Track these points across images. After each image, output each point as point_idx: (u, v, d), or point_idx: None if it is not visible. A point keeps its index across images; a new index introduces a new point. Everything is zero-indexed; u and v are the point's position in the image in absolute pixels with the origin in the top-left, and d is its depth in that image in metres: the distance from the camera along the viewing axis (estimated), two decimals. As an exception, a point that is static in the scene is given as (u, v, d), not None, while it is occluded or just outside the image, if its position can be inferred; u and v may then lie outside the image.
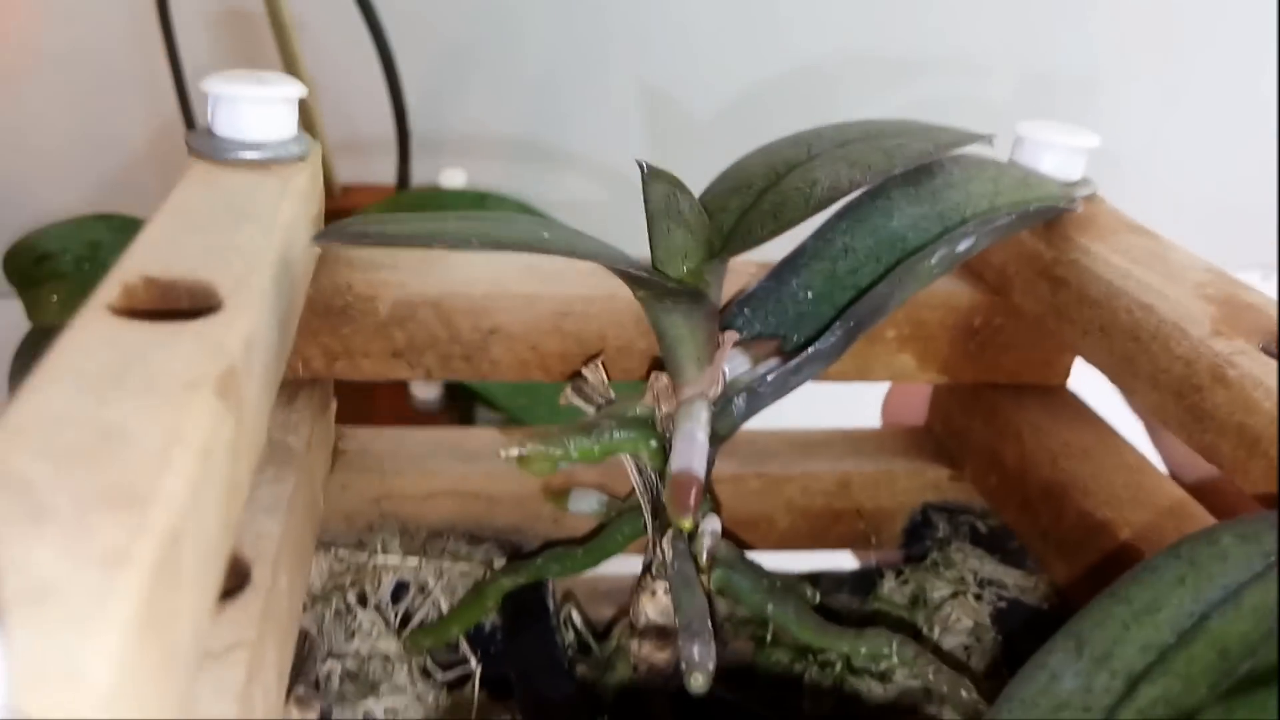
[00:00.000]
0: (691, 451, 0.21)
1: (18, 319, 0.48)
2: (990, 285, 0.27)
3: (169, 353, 0.14)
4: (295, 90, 0.23)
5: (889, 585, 0.29)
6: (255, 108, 0.22)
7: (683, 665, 0.21)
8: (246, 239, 0.18)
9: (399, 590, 0.26)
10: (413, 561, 0.27)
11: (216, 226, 0.19)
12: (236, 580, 0.18)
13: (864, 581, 0.30)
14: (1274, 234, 0.66)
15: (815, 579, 0.30)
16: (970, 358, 0.27)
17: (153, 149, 0.64)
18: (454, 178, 0.59)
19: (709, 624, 0.21)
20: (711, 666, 0.21)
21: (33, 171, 0.64)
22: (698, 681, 0.20)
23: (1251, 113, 0.68)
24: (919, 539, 0.30)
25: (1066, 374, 0.28)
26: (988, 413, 0.28)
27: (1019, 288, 0.26)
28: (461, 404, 0.47)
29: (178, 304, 0.17)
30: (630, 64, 0.64)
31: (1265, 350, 0.19)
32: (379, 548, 0.27)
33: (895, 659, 0.24)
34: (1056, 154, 0.26)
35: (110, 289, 0.16)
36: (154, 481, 0.12)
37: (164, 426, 0.13)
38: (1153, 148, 0.68)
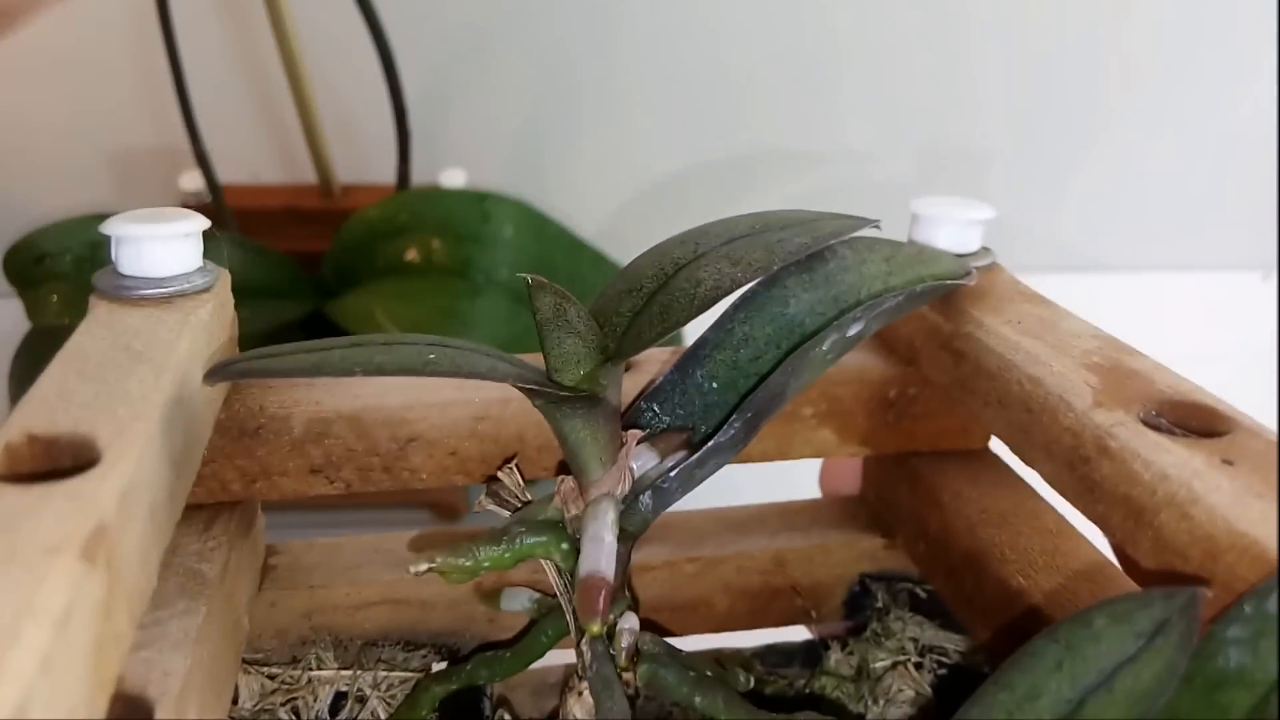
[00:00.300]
0: (599, 554, 0.21)
1: (18, 319, 0.48)
2: (902, 357, 0.28)
3: (37, 518, 0.15)
4: (195, 224, 0.23)
5: (835, 657, 0.29)
6: (157, 245, 0.23)
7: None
8: (135, 383, 0.19)
9: (337, 702, 0.26)
10: (348, 673, 0.27)
11: (107, 374, 0.19)
12: (142, 721, 0.18)
13: (813, 653, 0.30)
14: (1274, 234, 0.66)
15: (764, 655, 0.31)
16: (889, 428, 0.28)
17: (153, 149, 0.65)
18: (454, 178, 0.59)
19: (629, 725, 0.22)
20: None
21: (33, 171, 0.64)
22: (617, 785, 0.20)
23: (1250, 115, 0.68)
24: (860, 609, 0.30)
25: (987, 438, 0.29)
26: (912, 481, 0.28)
27: (925, 359, 0.26)
28: None
29: (61, 460, 0.17)
30: (630, 63, 0.64)
31: (1146, 420, 0.20)
32: (312, 663, 0.27)
33: (825, 742, 0.24)
34: (952, 228, 0.27)
35: (-10, 451, 0.16)
36: (3, 658, 0.12)
37: (18, 598, 0.13)
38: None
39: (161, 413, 0.18)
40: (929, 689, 0.27)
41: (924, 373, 0.27)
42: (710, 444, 0.22)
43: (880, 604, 0.29)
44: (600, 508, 0.22)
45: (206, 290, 0.24)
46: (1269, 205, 0.67)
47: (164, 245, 0.23)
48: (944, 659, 0.28)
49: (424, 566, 0.21)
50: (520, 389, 0.21)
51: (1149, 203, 0.71)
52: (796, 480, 0.34)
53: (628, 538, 0.23)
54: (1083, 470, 0.20)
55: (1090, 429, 0.20)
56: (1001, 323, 0.24)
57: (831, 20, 0.63)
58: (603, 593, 0.21)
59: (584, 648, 0.23)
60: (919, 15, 0.63)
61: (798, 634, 0.32)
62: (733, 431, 0.22)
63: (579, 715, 0.24)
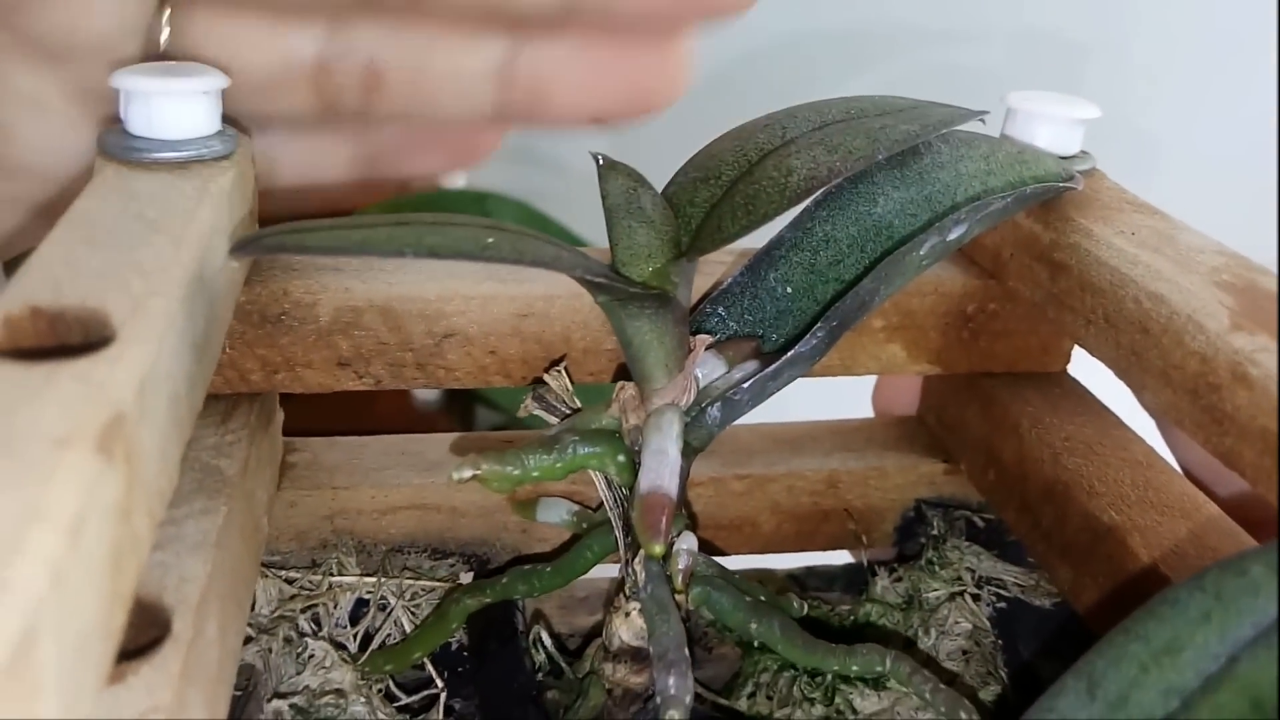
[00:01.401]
0: (661, 469, 0.19)
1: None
2: (984, 269, 0.25)
3: (42, 403, 0.12)
4: (216, 81, 0.21)
5: (882, 584, 0.27)
6: (171, 102, 0.20)
7: (657, 699, 0.19)
8: (151, 255, 0.16)
9: (358, 610, 0.24)
10: (371, 580, 0.25)
11: (119, 241, 0.17)
12: (157, 632, 0.17)
13: (856, 578, 0.28)
14: (1274, 234, 0.64)
15: (803, 578, 0.29)
16: (963, 346, 0.26)
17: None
18: (455, 178, 0.57)
19: (685, 653, 0.20)
20: (689, 700, 0.19)
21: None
22: (673, 718, 0.19)
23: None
24: (912, 536, 0.28)
25: (1067, 360, 0.27)
26: (983, 404, 0.26)
27: (1015, 272, 0.24)
28: (462, 403, 0.46)
29: (69, 337, 0.15)
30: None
31: (1290, 346, 0.17)
32: (334, 568, 0.25)
33: (890, 676, 0.22)
34: (1052, 126, 0.24)
35: (-13, 323, 0.14)
36: (5, 571, 0.10)
37: (22, 499, 0.11)
38: (1152, 121, 0.66)
39: (182, 289, 0.16)
40: (987, 622, 0.26)
41: (1009, 286, 0.24)
42: (790, 354, 0.20)
43: (936, 531, 0.28)
44: (664, 418, 0.20)
45: (226, 157, 0.21)
46: (1269, 205, 0.65)
47: (180, 103, 0.20)
48: (1003, 591, 0.26)
49: (468, 473, 0.19)
50: (584, 283, 0.18)
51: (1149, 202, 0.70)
52: (846, 396, 0.32)
53: (690, 452, 0.21)
54: (1210, 399, 0.18)
55: (1225, 354, 0.18)
56: (1113, 233, 0.21)
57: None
58: (665, 512, 0.19)
59: (637, 567, 0.21)
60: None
61: (838, 557, 0.31)
62: (814, 341, 0.20)
63: (625, 637, 0.22)
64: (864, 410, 0.31)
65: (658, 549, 0.18)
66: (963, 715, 0.21)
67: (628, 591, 0.22)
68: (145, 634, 0.16)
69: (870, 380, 0.32)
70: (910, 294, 0.25)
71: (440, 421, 0.52)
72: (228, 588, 0.19)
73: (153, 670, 0.15)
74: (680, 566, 0.20)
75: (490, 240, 0.17)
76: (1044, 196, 0.21)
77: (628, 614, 0.22)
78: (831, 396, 0.31)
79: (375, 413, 0.51)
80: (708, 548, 0.27)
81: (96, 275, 0.15)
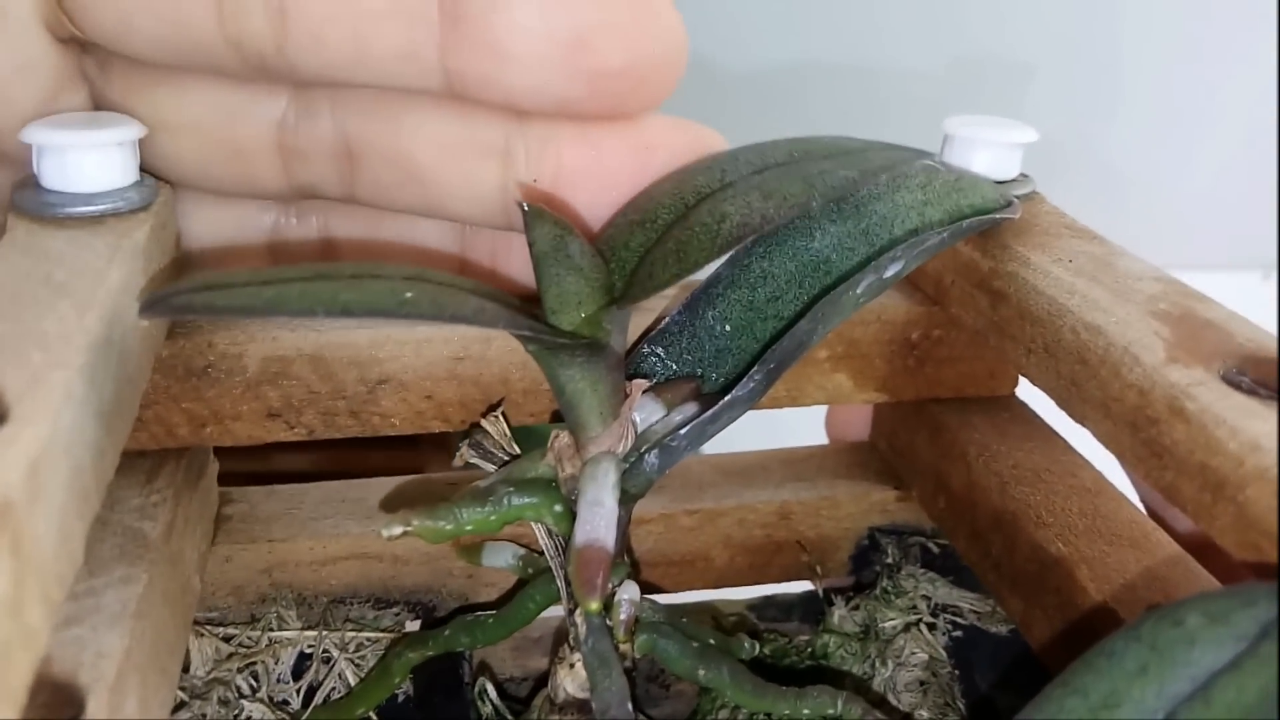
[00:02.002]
0: (597, 521, 0.19)
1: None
2: (927, 295, 0.25)
3: (-82, 496, 0.12)
4: (131, 131, 0.20)
5: (839, 614, 0.27)
6: (84, 155, 0.20)
7: (602, 756, 0.19)
8: (55, 322, 0.16)
9: (300, 665, 0.24)
10: (312, 634, 0.24)
11: (22, 310, 0.16)
12: (72, 712, 0.16)
13: (814, 606, 0.28)
14: (1274, 234, 0.65)
15: (761, 608, 0.28)
16: (909, 373, 0.25)
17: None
18: None
19: (628, 708, 0.19)
20: (634, 758, 0.19)
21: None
22: (618, 777, 0.18)
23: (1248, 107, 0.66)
24: (868, 564, 0.28)
25: (1014, 383, 0.26)
26: (932, 431, 0.26)
27: (956, 299, 0.24)
28: None
29: (-41, 415, 0.14)
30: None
31: (1227, 379, 0.17)
32: (273, 622, 0.24)
33: (842, 718, 0.22)
34: (989, 151, 0.24)
35: None
36: None
37: (-112, 610, 0.10)
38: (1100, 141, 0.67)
39: (85, 358, 0.16)
40: (943, 652, 0.25)
41: (952, 313, 0.24)
42: (727, 398, 0.19)
43: (891, 559, 0.27)
44: (600, 468, 0.19)
45: (145, 209, 0.20)
46: (1269, 205, 0.65)
47: (94, 155, 0.20)
48: (959, 619, 0.26)
49: (398, 530, 0.19)
50: (513, 334, 0.18)
51: (1149, 202, 0.70)
52: (796, 423, 0.32)
53: (628, 499, 0.20)
54: (1149, 433, 0.18)
55: (1162, 387, 0.17)
56: (1050, 261, 0.21)
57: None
58: (602, 566, 0.18)
59: (578, 619, 0.20)
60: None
61: (797, 585, 0.30)
62: (752, 384, 0.19)
63: (570, 689, 0.21)
64: (814, 436, 0.31)
65: (594, 606, 0.18)
66: (916, 758, 0.21)
67: (571, 643, 0.21)
68: (60, 714, 0.16)
69: (820, 408, 0.32)
70: (854, 323, 0.24)
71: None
72: (149, 658, 0.18)
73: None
74: (622, 617, 0.20)
75: (409, 295, 0.16)
76: (981, 227, 0.21)
77: (572, 665, 0.21)
78: (782, 422, 0.31)
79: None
80: (659, 584, 0.27)
81: (-7, 348, 0.15)
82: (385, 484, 0.26)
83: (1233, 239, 0.71)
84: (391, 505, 0.25)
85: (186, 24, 0.19)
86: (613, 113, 0.21)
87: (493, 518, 0.20)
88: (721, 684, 0.21)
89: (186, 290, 0.16)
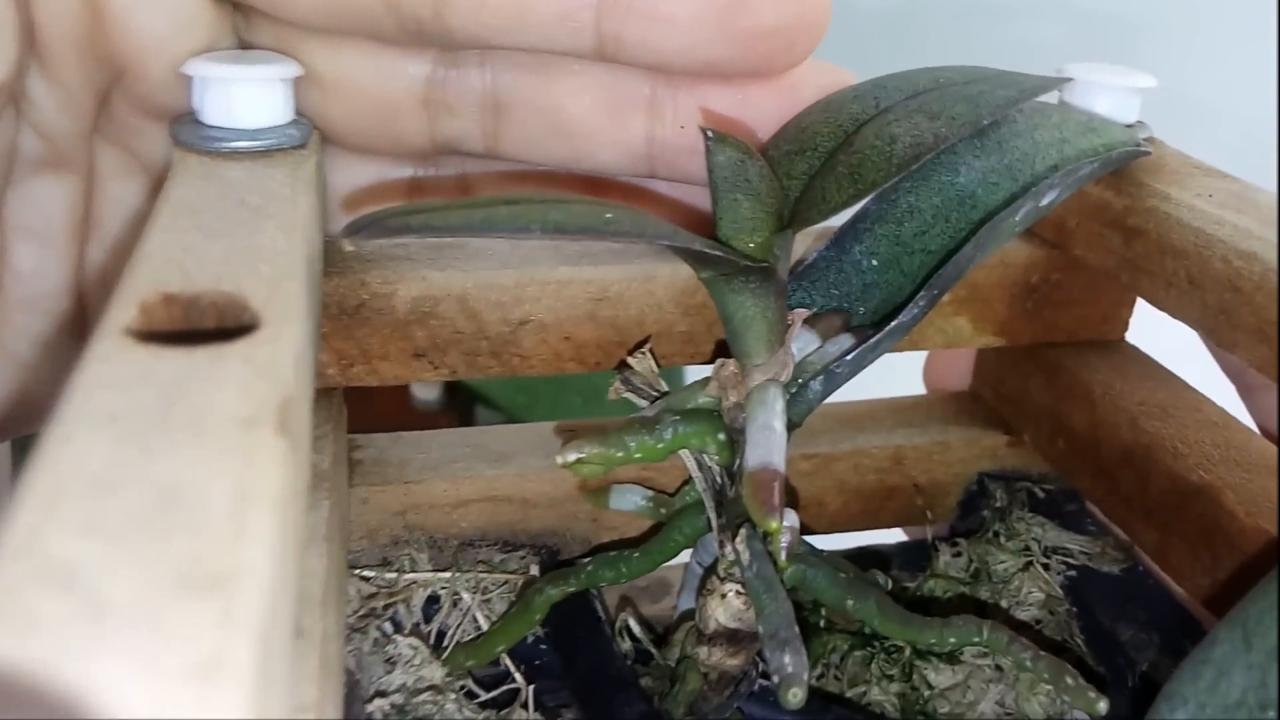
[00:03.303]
0: (770, 444, 0.19)
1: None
2: (1047, 239, 0.25)
3: (215, 385, 0.12)
4: (291, 69, 0.20)
5: (944, 559, 0.27)
6: (249, 90, 0.20)
7: (774, 678, 0.19)
8: (268, 239, 0.16)
9: (429, 607, 0.24)
10: (445, 575, 0.25)
11: (232, 228, 0.16)
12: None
13: (911, 557, 0.28)
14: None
15: (857, 559, 0.29)
16: (1027, 317, 0.26)
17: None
18: None
19: (795, 630, 0.20)
20: (807, 676, 0.19)
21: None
22: (795, 696, 0.18)
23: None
24: (973, 510, 0.28)
25: (1125, 328, 0.27)
26: (1048, 374, 0.26)
27: (1082, 240, 0.24)
28: (461, 403, 0.45)
29: (202, 323, 0.14)
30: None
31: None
32: (406, 565, 0.24)
33: (987, 645, 0.22)
34: (1112, 96, 0.24)
35: (124, 310, 0.13)
36: (234, 556, 0.10)
37: (231, 480, 0.10)
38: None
39: (303, 274, 0.16)
40: (1059, 590, 0.26)
41: (1075, 255, 0.25)
42: (892, 324, 0.19)
43: (1000, 503, 0.28)
44: (768, 394, 0.19)
45: (304, 146, 0.21)
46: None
47: (259, 90, 0.20)
48: (1070, 560, 0.26)
49: (573, 456, 0.19)
50: (695, 255, 0.18)
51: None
52: (894, 374, 0.32)
53: (790, 427, 0.20)
54: (1314, 354, 0.18)
55: (1331, 308, 0.18)
56: (1191, 195, 0.22)
57: None
58: (777, 486, 0.19)
59: (740, 546, 0.20)
60: None
61: (890, 536, 0.31)
62: (916, 310, 0.20)
63: (722, 619, 0.22)
64: (908, 387, 0.31)
65: (774, 524, 0.18)
66: (1068, 680, 0.21)
67: (721, 573, 0.22)
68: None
69: (910, 359, 0.32)
70: (977, 267, 0.25)
71: (440, 421, 0.51)
72: (336, 582, 0.18)
73: (298, 666, 0.15)
74: (784, 543, 0.20)
75: (610, 216, 0.16)
76: (1125, 161, 0.21)
77: (724, 595, 0.22)
78: (876, 375, 0.31)
79: (373, 413, 0.50)
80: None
81: (220, 261, 0.15)
82: (508, 430, 0.26)
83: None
84: (562, 437, 0.25)
85: None
86: (759, 72, 0.21)
87: (659, 446, 0.20)
88: (869, 614, 0.22)
89: (398, 212, 0.16)
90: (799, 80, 0.22)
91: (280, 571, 0.10)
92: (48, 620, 0.09)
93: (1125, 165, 0.22)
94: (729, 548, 0.21)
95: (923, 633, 0.22)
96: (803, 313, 0.20)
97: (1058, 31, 0.63)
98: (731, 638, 0.22)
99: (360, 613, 0.23)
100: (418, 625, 0.24)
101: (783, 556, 0.20)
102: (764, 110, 0.21)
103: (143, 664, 0.08)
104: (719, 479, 0.21)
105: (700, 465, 0.22)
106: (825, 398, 0.20)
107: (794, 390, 0.20)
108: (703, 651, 0.22)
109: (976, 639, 0.22)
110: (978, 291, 0.25)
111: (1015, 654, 0.21)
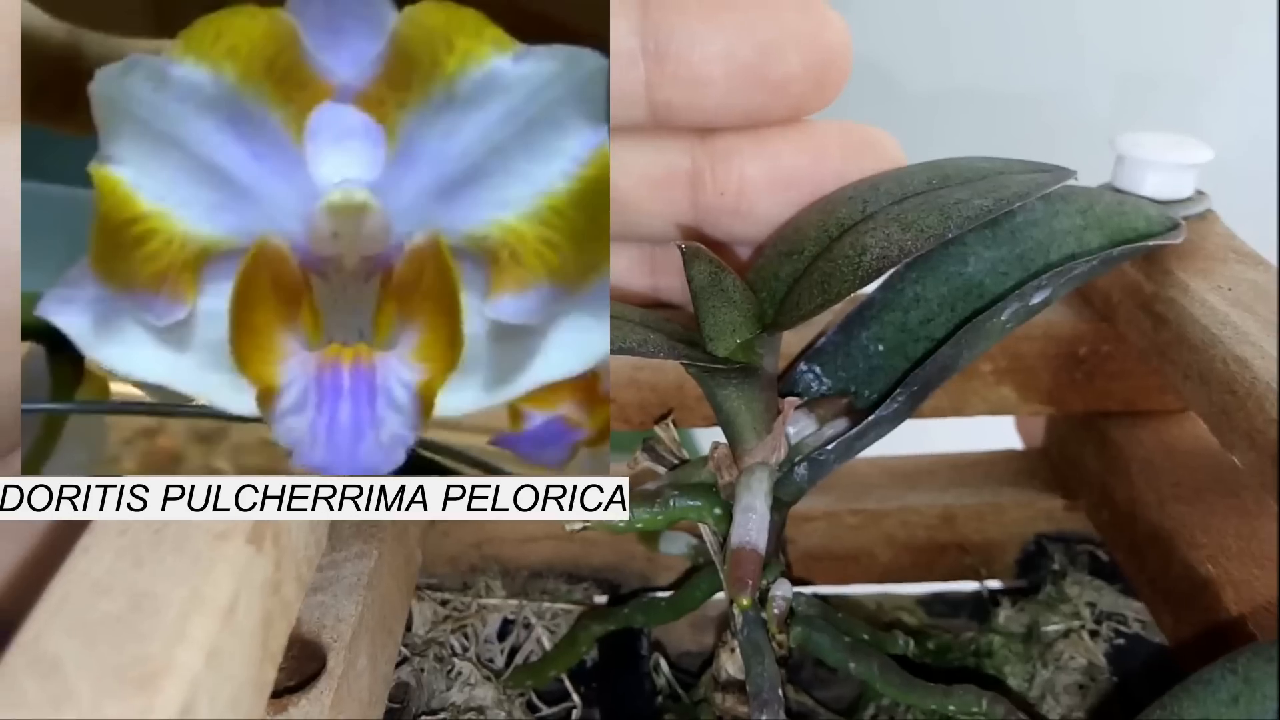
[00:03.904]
0: (750, 525, 0.21)
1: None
2: (1096, 310, 0.25)
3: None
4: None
5: (1005, 614, 0.28)
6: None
7: (754, 733, 0.21)
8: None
9: (504, 629, 0.27)
10: (515, 602, 0.28)
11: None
12: (317, 665, 0.20)
13: (982, 605, 0.29)
14: (1274, 234, 0.59)
15: (930, 603, 0.30)
16: (1077, 387, 0.26)
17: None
18: None
19: (778, 692, 0.22)
20: (782, 735, 0.21)
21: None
22: (766, 751, 0.20)
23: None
24: (1035, 568, 0.29)
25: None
26: (1098, 444, 0.27)
27: (1123, 318, 0.24)
28: None
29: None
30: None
31: (1370, 419, 0.17)
32: (482, 590, 0.28)
33: (985, 717, 0.23)
34: (1161, 173, 0.24)
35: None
36: (169, 657, 0.13)
37: (187, 588, 0.14)
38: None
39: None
40: (1103, 658, 0.26)
41: (1120, 330, 0.25)
42: (871, 417, 0.21)
43: (1057, 566, 0.28)
44: (754, 477, 0.21)
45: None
46: (1269, 205, 0.59)
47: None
48: (1122, 627, 0.26)
49: (579, 525, 0.22)
50: (676, 359, 0.20)
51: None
52: (969, 427, 0.32)
53: (781, 506, 0.22)
54: (1290, 469, 0.18)
55: (1303, 427, 0.18)
56: (1209, 289, 0.21)
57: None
58: (752, 566, 0.21)
59: (735, 611, 0.23)
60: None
61: (967, 584, 0.31)
62: (896, 405, 0.21)
63: (731, 670, 0.24)
64: (986, 442, 0.32)
65: (745, 601, 0.20)
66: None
67: (732, 629, 0.24)
68: (308, 666, 0.20)
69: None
70: (1019, 337, 0.25)
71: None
72: (378, 621, 0.22)
73: (309, 703, 0.18)
74: (775, 611, 0.22)
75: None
76: (1134, 254, 0.22)
77: (733, 649, 0.24)
78: (955, 426, 0.32)
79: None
80: (823, 578, 0.29)
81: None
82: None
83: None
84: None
85: None
86: (793, 115, 0.23)
87: (659, 517, 0.22)
88: (870, 677, 0.23)
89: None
90: (827, 141, 0.23)
91: (212, 663, 0.13)
92: (30, 700, 0.12)
93: (1133, 258, 0.22)
94: (731, 609, 0.23)
95: (924, 698, 0.23)
96: (793, 401, 0.22)
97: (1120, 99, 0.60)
98: (741, 687, 0.24)
99: (429, 635, 0.26)
100: (488, 646, 0.28)
101: (774, 625, 0.22)
102: (795, 169, 0.23)
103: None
104: (721, 547, 0.23)
105: (713, 532, 0.24)
106: (814, 481, 0.22)
107: (784, 471, 0.22)
108: (717, 697, 0.24)
109: (975, 709, 0.23)
110: (1021, 361, 0.26)
111: (1009, 729, 0.22)
